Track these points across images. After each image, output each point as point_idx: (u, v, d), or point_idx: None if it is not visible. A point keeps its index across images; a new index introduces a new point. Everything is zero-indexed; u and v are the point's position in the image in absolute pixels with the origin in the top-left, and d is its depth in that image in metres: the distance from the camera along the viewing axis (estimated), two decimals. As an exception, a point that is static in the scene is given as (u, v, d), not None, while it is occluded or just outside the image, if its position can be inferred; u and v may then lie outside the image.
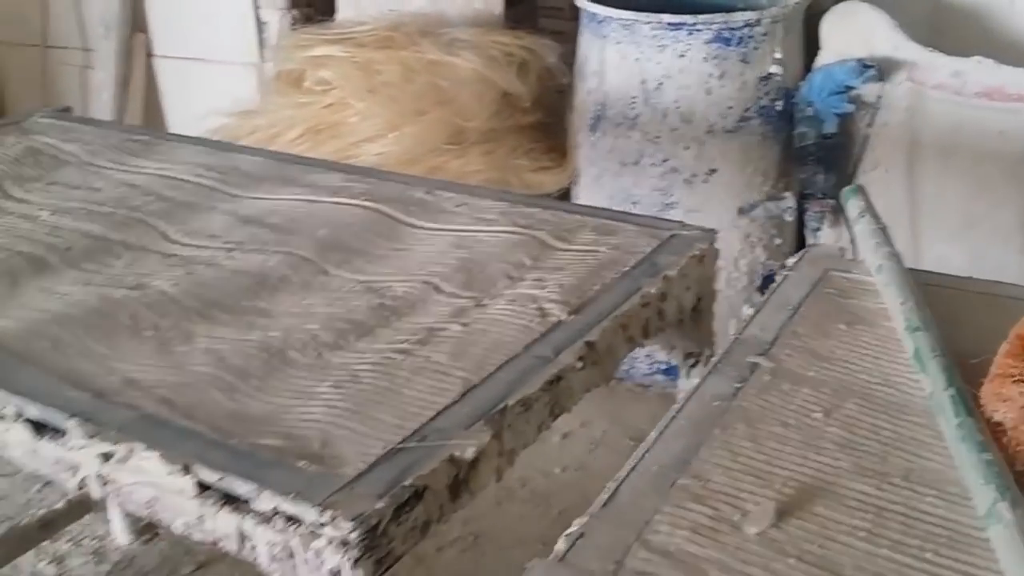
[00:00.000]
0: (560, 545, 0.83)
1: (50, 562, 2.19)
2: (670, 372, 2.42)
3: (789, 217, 2.62)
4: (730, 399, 1.01)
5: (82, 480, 0.99)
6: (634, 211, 2.23)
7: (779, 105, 2.53)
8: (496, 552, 2.19)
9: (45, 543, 2.17)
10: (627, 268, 1.27)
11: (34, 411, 1.03)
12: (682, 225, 1.39)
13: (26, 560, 2.15)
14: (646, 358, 2.68)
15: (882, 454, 0.93)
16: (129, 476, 0.95)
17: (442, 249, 1.34)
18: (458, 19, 2.84)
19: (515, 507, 2.31)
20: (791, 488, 0.88)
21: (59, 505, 2.06)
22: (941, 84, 2.39)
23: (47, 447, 1.02)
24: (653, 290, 1.22)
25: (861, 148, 2.52)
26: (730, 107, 2.49)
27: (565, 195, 2.73)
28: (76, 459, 0.99)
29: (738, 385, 1.04)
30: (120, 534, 2.23)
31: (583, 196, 2.68)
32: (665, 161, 2.54)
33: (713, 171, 2.54)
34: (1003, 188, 2.39)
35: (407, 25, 2.77)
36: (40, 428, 1.03)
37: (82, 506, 2.08)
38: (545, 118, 2.76)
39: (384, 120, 2.59)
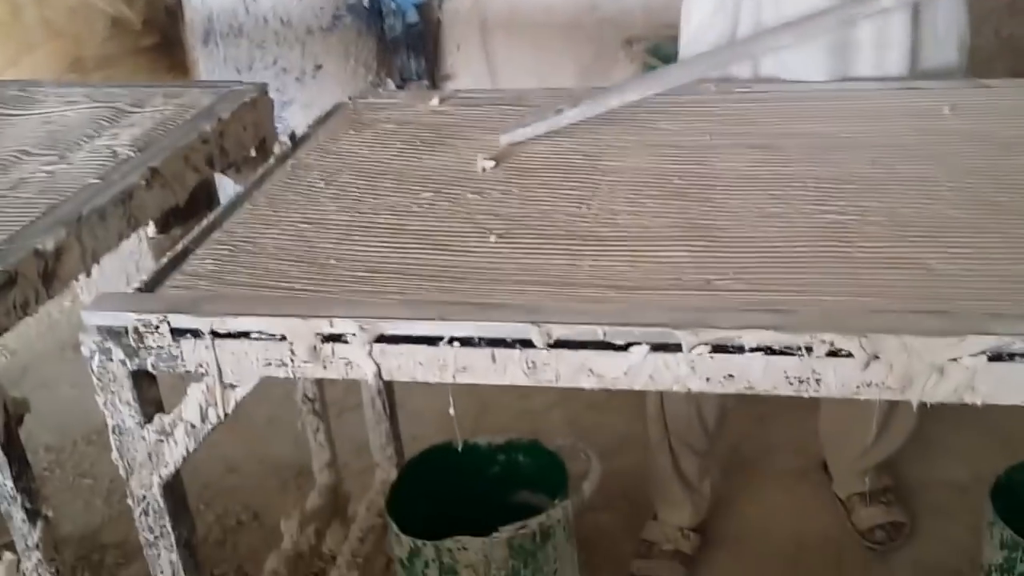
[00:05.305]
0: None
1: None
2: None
3: (394, 100, 3.01)
4: (262, 182, 1.37)
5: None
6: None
7: (366, 2, 2.90)
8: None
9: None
10: (189, 117, 1.58)
11: None
12: (239, 83, 1.72)
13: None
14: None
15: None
16: None
17: (33, 128, 1.60)
18: (57, -45, 2.98)
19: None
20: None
21: None
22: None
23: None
24: (209, 128, 1.54)
25: (437, 31, 2.94)
26: (322, 7, 2.83)
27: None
28: None
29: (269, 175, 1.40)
30: None
31: (209, 106, 2.94)
32: (275, 63, 2.85)
33: (319, 67, 2.88)
34: (557, 43, 2.90)
35: (5, -36, 2.89)
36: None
37: None
38: (161, 40, 2.97)
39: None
